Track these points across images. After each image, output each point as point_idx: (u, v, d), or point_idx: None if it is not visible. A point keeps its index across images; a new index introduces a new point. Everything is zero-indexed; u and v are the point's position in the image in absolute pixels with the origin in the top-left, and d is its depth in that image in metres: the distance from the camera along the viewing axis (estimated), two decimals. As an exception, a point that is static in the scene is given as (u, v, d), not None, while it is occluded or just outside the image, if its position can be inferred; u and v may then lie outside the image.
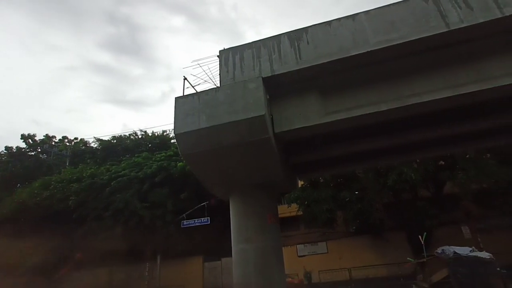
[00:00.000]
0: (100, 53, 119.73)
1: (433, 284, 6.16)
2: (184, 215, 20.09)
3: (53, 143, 37.29)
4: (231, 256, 9.50)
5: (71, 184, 22.64)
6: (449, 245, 6.79)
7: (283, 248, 10.46)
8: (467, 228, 18.58)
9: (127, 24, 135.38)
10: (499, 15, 6.70)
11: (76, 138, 37.72)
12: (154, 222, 20.24)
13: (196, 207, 20.20)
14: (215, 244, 21.98)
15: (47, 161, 33.68)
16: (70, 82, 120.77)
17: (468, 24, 6.86)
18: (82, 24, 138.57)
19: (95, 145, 34.46)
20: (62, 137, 38.17)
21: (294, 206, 21.64)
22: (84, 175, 23.39)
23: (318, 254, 21.36)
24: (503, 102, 8.48)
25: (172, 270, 21.99)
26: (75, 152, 34.13)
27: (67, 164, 31.22)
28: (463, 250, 6.47)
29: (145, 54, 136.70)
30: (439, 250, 6.61)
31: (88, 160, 30.00)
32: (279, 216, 10.82)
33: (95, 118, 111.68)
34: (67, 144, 36.74)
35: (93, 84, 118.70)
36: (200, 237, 22.10)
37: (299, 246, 21.93)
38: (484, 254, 6.53)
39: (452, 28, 6.93)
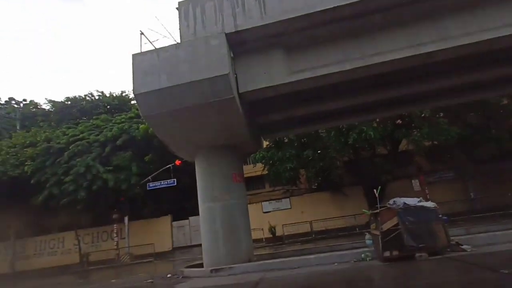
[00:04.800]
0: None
1: (384, 231, 6.82)
2: (149, 177, 19.83)
3: (-3, 105, 33.90)
4: (198, 215, 9.70)
5: (25, 149, 21.12)
6: (400, 197, 7.40)
7: (248, 205, 10.84)
8: (417, 182, 20.37)
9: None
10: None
11: (25, 100, 34.43)
12: (118, 185, 19.81)
13: (161, 169, 19.95)
14: (183, 205, 22.26)
15: (-7, 124, 30.77)
16: None
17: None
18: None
19: (48, 107, 31.94)
20: (9, 98, 34.62)
21: (260, 165, 22.16)
22: (39, 139, 21.83)
23: (282, 210, 22.49)
24: (460, 62, 8.89)
25: (141, 230, 22.19)
26: (26, 115, 31.40)
27: (18, 128, 28.80)
28: (412, 201, 7.08)
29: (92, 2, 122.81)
30: (391, 202, 7.18)
31: (41, 123, 27.84)
32: (245, 175, 11.05)
33: (37, 79, 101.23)
34: (15, 106, 33.55)
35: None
36: (167, 198, 22.19)
37: (264, 203, 22.88)
38: (429, 204, 7.21)
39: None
